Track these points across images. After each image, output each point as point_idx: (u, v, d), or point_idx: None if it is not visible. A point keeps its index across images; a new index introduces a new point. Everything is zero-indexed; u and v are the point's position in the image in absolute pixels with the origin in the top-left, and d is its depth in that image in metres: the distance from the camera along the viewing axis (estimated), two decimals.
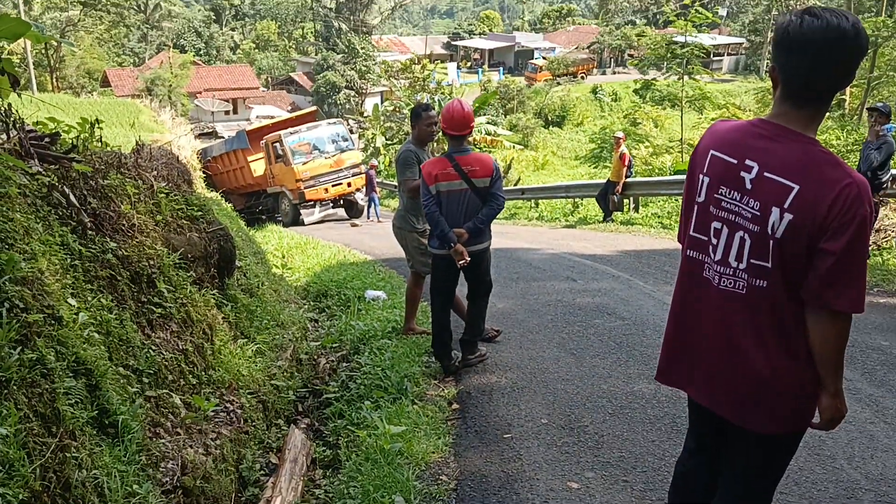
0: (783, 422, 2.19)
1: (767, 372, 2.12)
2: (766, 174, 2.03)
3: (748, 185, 2.06)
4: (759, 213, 2.04)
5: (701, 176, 2.18)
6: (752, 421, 2.21)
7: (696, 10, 25.77)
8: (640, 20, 75.24)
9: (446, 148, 5.27)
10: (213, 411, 3.96)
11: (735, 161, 2.09)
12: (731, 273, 2.13)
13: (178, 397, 3.67)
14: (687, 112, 30.35)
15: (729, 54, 67.23)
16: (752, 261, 2.08)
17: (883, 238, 9.57)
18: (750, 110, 38.07)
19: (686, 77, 26.74)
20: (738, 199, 2.09)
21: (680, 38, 26.28)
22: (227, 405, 4.26)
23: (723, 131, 2.20)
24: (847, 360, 5.11)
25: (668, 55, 26.95)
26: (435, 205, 5.10)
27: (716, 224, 2.15)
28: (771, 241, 2.03)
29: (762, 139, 2.07)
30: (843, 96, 21.61)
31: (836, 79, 2.01)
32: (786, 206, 1.99)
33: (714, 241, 2.16)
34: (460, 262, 5.08)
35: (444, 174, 5.09)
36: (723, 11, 69.72)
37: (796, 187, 1.98)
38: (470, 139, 5.41)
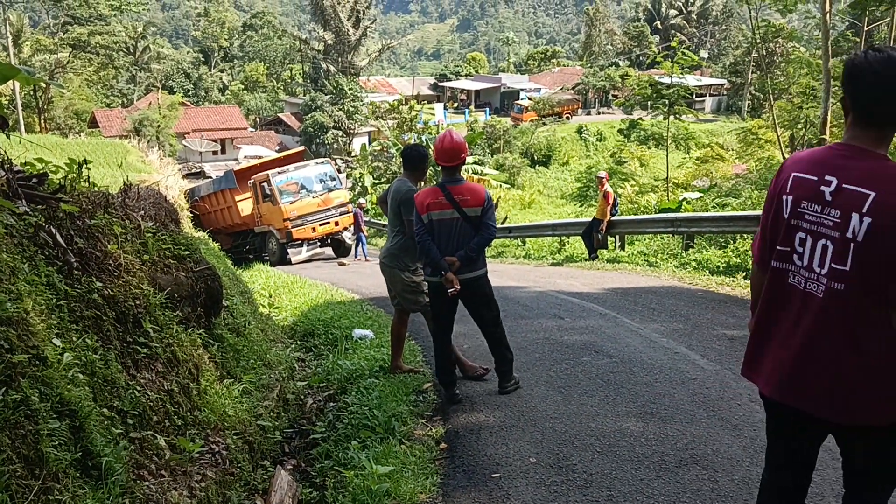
0: (877, 413, 2.34)
1: (864, 372, 2.32)
2: (844, 186, 2.28)
3: (828, 197, 2.31)
4: (839, 221, 2.28)
5: (784, 196, 2.43)
6: (851, 417, 2.37)
7: (682, 52, 26.31)
8: (623, 62, 76.60)
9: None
10: (198, 453, 3.91)
11: (815, 178, 2.35)
12: (815, 279, 2.36)
13: (163, 438, 3.63)
14: (672, 151, 30.75)
15: (711, 95, 68.47)
16: (833, 265, 2.31)
17: None
18: (733, 149, 38.62)
19: (671, 117, 27.19)
20: (819, 210, 2.33)
21: (665, 79, 26.76)
22: (213, 446, 4.21)
23: (804, 157, 2.47)
24: None
25: (654, 95, 27.43)
26: (427, 234, 5.18)
27: (800, 235, 2.39)
28: (852, 245, 2.26)
29: (838, 158, 2.35)
30: (824, 137, 21.96)
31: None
32: (864, 210, 2.22)
33: (799, 249, 2.40)
34: (450, 291, 5.14)
35: (437, 203, 5.18)
36: (704, 53, 71.20)
37: (872, 194, 2.22)
38: (462, 169, 5.51)
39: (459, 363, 5.96)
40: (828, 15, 23.32)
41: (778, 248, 2.46)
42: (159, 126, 44.56)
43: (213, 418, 4.40)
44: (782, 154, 27.24)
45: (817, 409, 2.41)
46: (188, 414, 4.14)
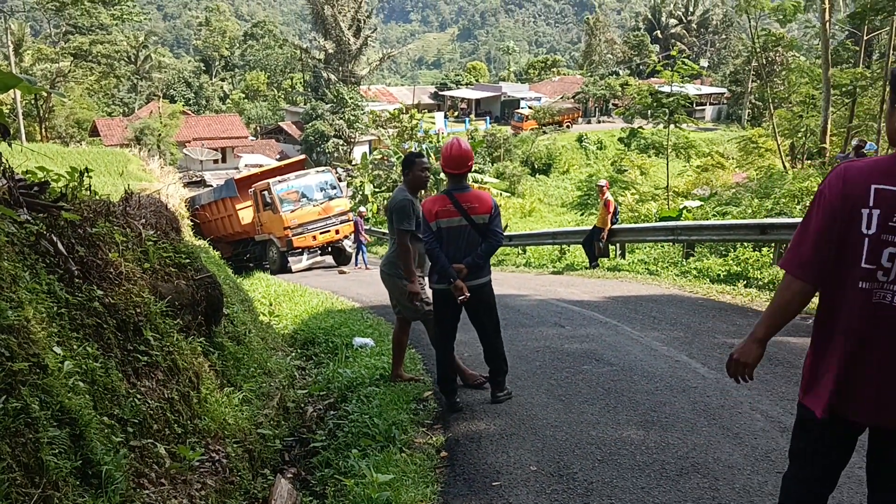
0: None
1: None
2: None
3: None
4: None
5: (865, 210, 2.32)
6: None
7: (682, 61, 26.40)
8: (623, 71, 76.79)
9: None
10: (198, 461, 3.91)
11: None
12: None
13: (163, 447, 3.62)
14: (672, 160, 30.80)
15: (711, 104, 68.62)
16: None
17: None
18: (733, 158, 38.66)
19: (672, 125, 27.25)
20: None
21: (665, 88, 26.84)
22: (213, 455, 4.20)
23: (877, 168, 2.35)
24: None
25: (655, 104, 27.51)
26: (435, 241, 5.21)
27: (891, 250, 2.31)
28: None
29: None
30: (824, 145, 22.02)
31: None
32: None
33: (887, 265, 2.31)
34: (460, 298, 5.15)
35: (445, 211, 5.21)
36: (704, 62, 71.39)
37: None
38: (469, 177, 5.54)
39: (459, 371, 5.95)
40: (827, 24, 23.40)
41: (863, 266, 2.36)
42: (160, 135, 44.65)
43: (213, 427, 4.39)
44: (783, 163, 27.31)
45: (882, 420, 2.43)
46: (188, 422, 4.14)
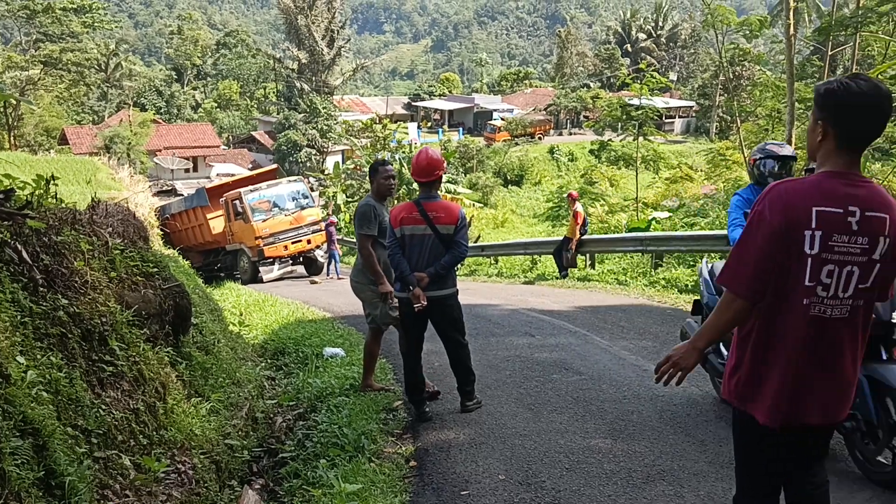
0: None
1: (854, 371, 2.59)
2: (866, 213, 2.43)
3: (854, 227, 2.42)
4: (867, 246, 2.44)
5: (809, 232, 2.44)
6: (842, 416, 2.63)
7: (651, 74, 26.75)
8: (594, 83, 77.58)
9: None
10: (163, 472, 3.87)
11: (841, 210, 2.43)
12: (839, 304, 2.47)
13: (128, 458, 3.58)
14: (641, 172, 31.12)
15: (680, 117, 69.58)
16: (858, 286, 2.47)
17: None
18: (701, 170, 39.17)
19: (641, 138, 27.57)
20: (845, 239, 2.43)
21: (635, 101, 27.16)
22: (179, 466, 4.16)
23: (813, 191, 2.46)
24: None
25: (624, 117, 27.80)
26: (398, 247, 5.22)
27: (829, 267, 2.44)
28: (876, 266, 2.46)
29: (851, 187, 2.45)
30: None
31: (883, 129, 2.49)
32: (886, 233, 2.44)
33: (826, 281, 2.45)
34: (417, 306, 5.16)
35: (410, 218, 5.23)
36: (673, 76, 72.38)
37: (887, 216, 2.44)
38: (440, 187, 5.56)
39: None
40: (792, 40, 23.86)
41: (806, 285, 2.46)
42: (130, 143, 44.17)
43: (179, 437, 4.35)
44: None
45: (833, 418, 2.61)
46: (154, 433, 4.10)
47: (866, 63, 31.29)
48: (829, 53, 27.90)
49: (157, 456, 3.92)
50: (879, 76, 18.31)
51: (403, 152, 32.62)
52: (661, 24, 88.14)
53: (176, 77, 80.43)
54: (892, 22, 22.63)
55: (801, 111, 24.68)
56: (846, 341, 2.53)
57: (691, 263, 13.12)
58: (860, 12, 20.02)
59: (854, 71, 22.80)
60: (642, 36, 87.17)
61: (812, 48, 44.50)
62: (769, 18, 30.63)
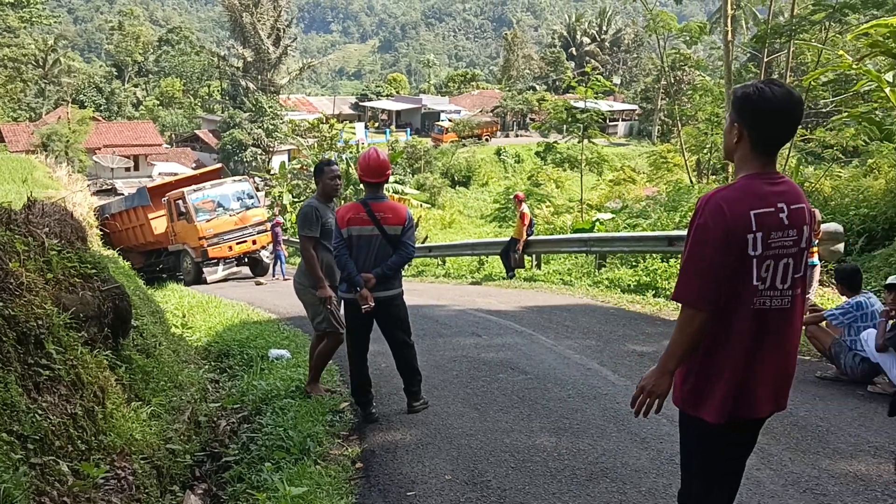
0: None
1: (795, 358, 2.74)
2: (791, 207, 2.59)
3: (785, 221, 2.57)
4: (797, 237, 2.60)
5: (751, 235, 2.55)
6: (786, 403, 2.76)
7: (596, 78, 27.18)
8: (540, 86, 78.39)
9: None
10: (102, 478, 3.78)
11: (772, 209, 2.57)
12: (778, 294, 2.60)
13: (66, 464, 3.49)
14: (586, 174, 31.61)
15: (623, 120, 70.88)
16: (794, 276, 2.62)
17: None
18: (644, 172, 39.97)
19: (586, 140, 27.98)
20: (780, 235, 2.57)
21: (580, 104, 27.55)
22: (119, 472, 4.07)
23: (746, 194, 2.58)
24: None
25: (570, 119, 28.18)
26: (345, 248, 5.20)
27: (767, 262, 2.57)
28: (805, 253, 2.63)
29: (774, 185, 2.60)
30: (728, 161, 23.03)
31: (794, 133, 2.69)
32: (807, 221, 2.63)
33: (764, 275, 2.57)
34: (364, 307, 5.14)
35: (357, 219, 5.21)
36: (617, 80, 73.64)
37: (804, 206, 2.63)
38: (387, 187, 5.55)
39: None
40: (730, 46, 24.54)
41: (753, 284, 2.56)
42: (68, 141, 42.92)
43: (119, 442, 4.25)
44: (690, 177, 28.39)
45: (776, 408, 2.72)
46: (93, 438, 4.00)
47: (800, 70, 32.34)
48: (766, 60, 28.79)
49: (95, 462, 3.83)
50: (812, 83, 19.01)
51: (351, 152, 32.47)
52: (605, 28, 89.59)
53: (117, 74, 78.43)
54: (825, 31, 23.47)
55: None
56: (789, 330, 2.65)
57: (633, 264, 13.38)
58: (794, 21, 20.70)
59: (789, 78, 23.60)
60: (587, 40, 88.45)
61: (749, 55, 45.76)
62: (708, 25, 31.50)
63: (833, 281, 8.14)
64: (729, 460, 2.77)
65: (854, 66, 12.77)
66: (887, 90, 11.30)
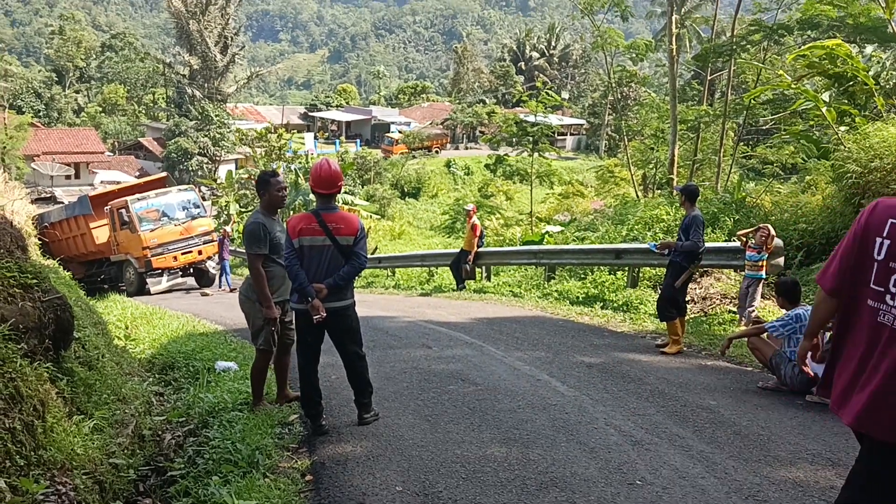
0: None
1: None
2: None
3: None
4: None
5: (879, 239, 2.61)
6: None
7: (546, 92, 27.56)
8: (489, 99, 79.08)
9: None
10: (42, 494, 3.66)
11: None
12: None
13: (4, 480, 3.38)
14: (536, 187, 31.95)
15: (572, 134, 71.98)
16: None
17: (708, 305, 10.41)
18: (592, 186, 40.63)
19: (536, 153, 28.33)
20: None
21: (530, 118, 27.88)
22: (59, 487, 3.95)
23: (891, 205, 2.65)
24: (679, 418, 5.48)
25: (520, 132, 28.50)
26: (296, 259, 5.14)
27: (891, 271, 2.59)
28: None
29: None
30: (672, 176, 23.59)
31: None
32: None
33: (894, 290, 2.58)
34: (316, 318, 5.10)
35: (309, 229, 5.17)
36: (565, 94, 74.76)
37: None
38: (337, 198, 5.51)
39: (280, 388, 6.18)
40: (675, 64, 25.21)
41: (872, 286, 2.63)
42: (5, 147, 41.65)
43: (60, 457, 4.13)
44: (636, 191, 28.98)
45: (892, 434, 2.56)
46: (32, 453, 3.88)
47: (741, 88, 33.34)
48: (709, 78, 29.68)
49: (35, 477, 3.71)
50: (752, 100, 19.62)
51: (300, 162, 32.22)
52: (553, 44, 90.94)
53: (57, 79, 76.39)
54: (764, 51, 24.28)
55: (683, 131, 26.02)
56: None
57: (582, 276, 13.57)
58: (735, 40, 21.36)
59: (730, 95, 24.32)
60: (536, 55, 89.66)
61: (693, 72, 47.15)
62: (654, 43, 32.25)
63: (774, 294, 8.38)
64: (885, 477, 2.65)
65: (793, 86, 13.24)
66: (824, 109, 11.76)
